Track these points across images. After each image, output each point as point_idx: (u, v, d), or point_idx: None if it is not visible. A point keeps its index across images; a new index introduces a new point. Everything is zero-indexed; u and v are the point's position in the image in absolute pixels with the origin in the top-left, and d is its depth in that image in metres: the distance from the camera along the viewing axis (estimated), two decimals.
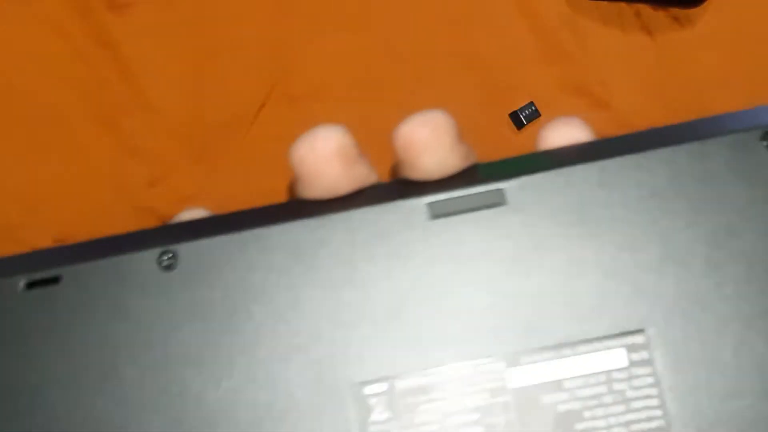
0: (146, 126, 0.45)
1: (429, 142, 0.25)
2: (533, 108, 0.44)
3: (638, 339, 0.24)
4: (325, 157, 0.25)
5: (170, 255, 0.24)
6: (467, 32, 0.45)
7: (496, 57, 0.45)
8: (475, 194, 0.24)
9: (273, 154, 0.45)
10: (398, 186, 0.25)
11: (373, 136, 0.45)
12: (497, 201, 0.24)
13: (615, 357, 0.24)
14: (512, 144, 0.44)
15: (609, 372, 0.24)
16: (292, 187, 0.26)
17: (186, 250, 0.24)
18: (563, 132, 0.26)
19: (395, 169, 0.26)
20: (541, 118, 0.45)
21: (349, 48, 0.45)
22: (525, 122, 0.44)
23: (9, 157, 0.45)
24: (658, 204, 0.24)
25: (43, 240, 0.44)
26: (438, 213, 0.24)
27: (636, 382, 0.23)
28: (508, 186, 0.24)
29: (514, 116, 0.44)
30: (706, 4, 0.45)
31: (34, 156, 0.45)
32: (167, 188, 0.44)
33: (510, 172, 0.25)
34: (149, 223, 0.44)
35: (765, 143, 0.24)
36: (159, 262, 0.24)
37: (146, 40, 0.45)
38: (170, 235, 0.25)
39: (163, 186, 0.44)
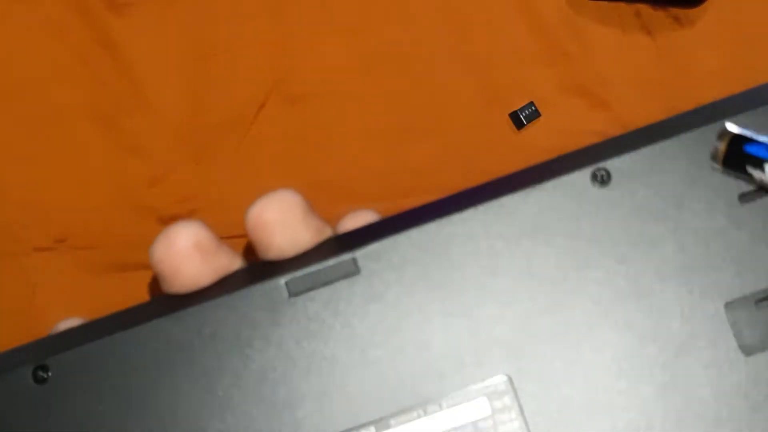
0: (146, 126, 0.45)
1: (279, 221, 0.26)
2: (533, 108, 0.44)
3: (499, 386, 0.24)
4: (183, 255, 0.25)
5: (44, 369, 0.24)
6: (467, 32, 0.45)
7: (496, 57, 0.45)
8: (329, 267, 0.25)
9: (273, 154, 0.45)
10: (257, 268, 0.26)
11: (373, 135, 0.45)
12: (351, 271, 0.25)
13: (478, 406, 0.24)
14: (512, 144, 0.44)
15: (475, 422, 0.24)
16: (156, 284, 0.27)
17: (57, 362, 0.24)
18: (359, 220, 0.27)
19: (252, 249, 0.27)
20: (541, 118, 0.45)
21: (349, 48, 0.45)
22: (525, 122, 0.44)
23: (8, 157, 0.45)
24: (498, 253, 0.25)
25: (44, 240, 0.44)
26: (296, 290, 0.25)
27: (502, 429, 0.24)
28: (360, 254, 0.25)
29: (514, 116, 0.44)
30: (706, 4, 0.45)
31: (33, 155, 0.45)
32: (167, 188, 0.44)
33: (361, 240, 0.25)
34: (149, 222, 0.44)
35: (595, 183, 0.25)
36: (34, 377, 0.24)
37: (146, 40, 0.45)
38: (43, 349, 0.25)
39: (163, 186, 0.44)
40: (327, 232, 0.27)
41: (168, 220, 0.44)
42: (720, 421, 0.23)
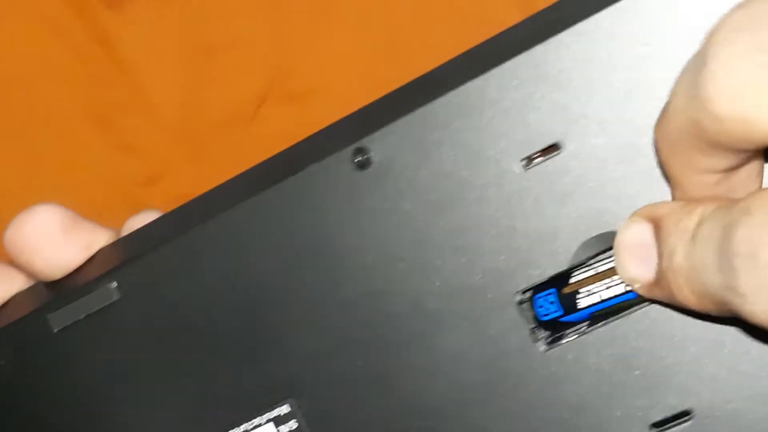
0: (143, 124, 0.45)
1: (36, 242, 0.23)
2: None
3: (283, 409, 0.23)
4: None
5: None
6: (467, 32, 0.45)
7: None
8: (88, 299, 0.23)
9: (271, 153, 0.44)
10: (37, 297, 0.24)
11: None
12: (111, 298, 0.23)
13: None
14: None
15: None
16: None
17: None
18: (140, 220, 0.26)
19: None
20: None
21: (348, 46, 0.45)
22: None
23: (5, 155, 0.45)
24: (255, 269, 0.23)
25: None
26: (61, 326, 0.23)
27: None
28: (119, 281, 0.23)
29: None
30: None
31: (30, 154, 0.45)
32: (164, 187, 0.44)
33: (123, 261, 0.24)
34: None
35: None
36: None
37: (143, 38, 0.45)
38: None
39: (161, 184, 0.44)
40: (101, 242, 0.25)
41: None
42: None
